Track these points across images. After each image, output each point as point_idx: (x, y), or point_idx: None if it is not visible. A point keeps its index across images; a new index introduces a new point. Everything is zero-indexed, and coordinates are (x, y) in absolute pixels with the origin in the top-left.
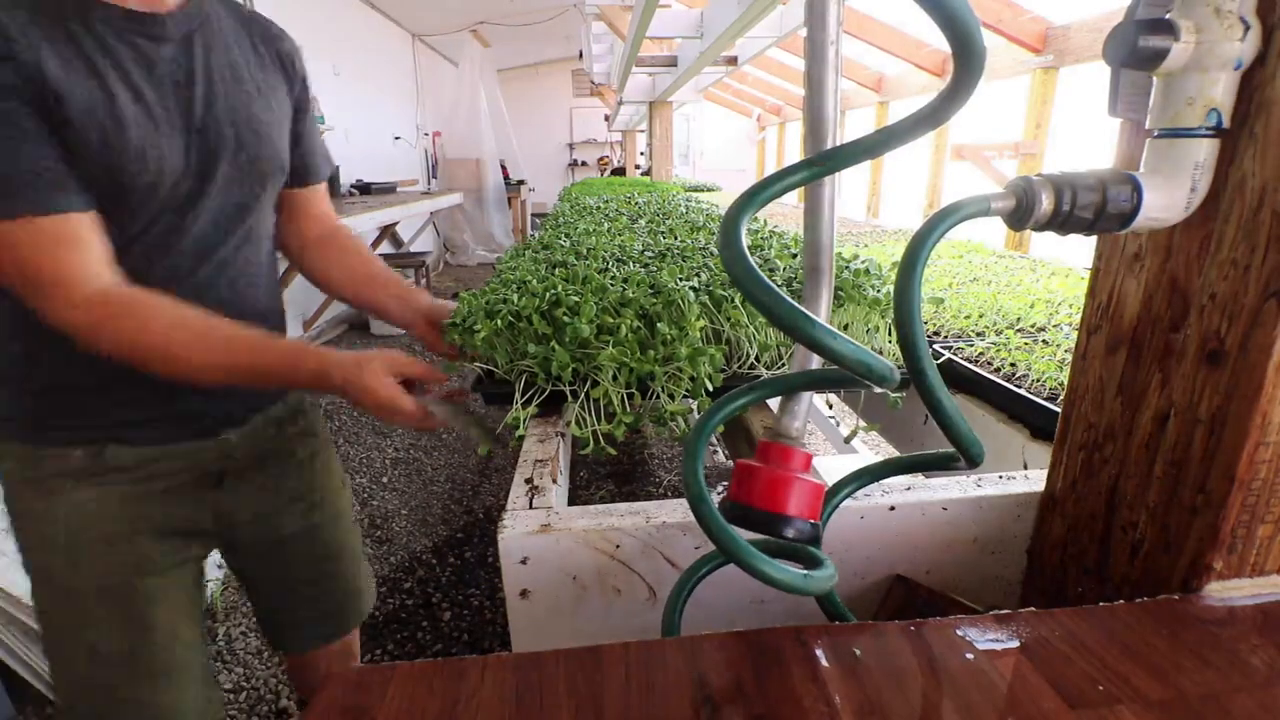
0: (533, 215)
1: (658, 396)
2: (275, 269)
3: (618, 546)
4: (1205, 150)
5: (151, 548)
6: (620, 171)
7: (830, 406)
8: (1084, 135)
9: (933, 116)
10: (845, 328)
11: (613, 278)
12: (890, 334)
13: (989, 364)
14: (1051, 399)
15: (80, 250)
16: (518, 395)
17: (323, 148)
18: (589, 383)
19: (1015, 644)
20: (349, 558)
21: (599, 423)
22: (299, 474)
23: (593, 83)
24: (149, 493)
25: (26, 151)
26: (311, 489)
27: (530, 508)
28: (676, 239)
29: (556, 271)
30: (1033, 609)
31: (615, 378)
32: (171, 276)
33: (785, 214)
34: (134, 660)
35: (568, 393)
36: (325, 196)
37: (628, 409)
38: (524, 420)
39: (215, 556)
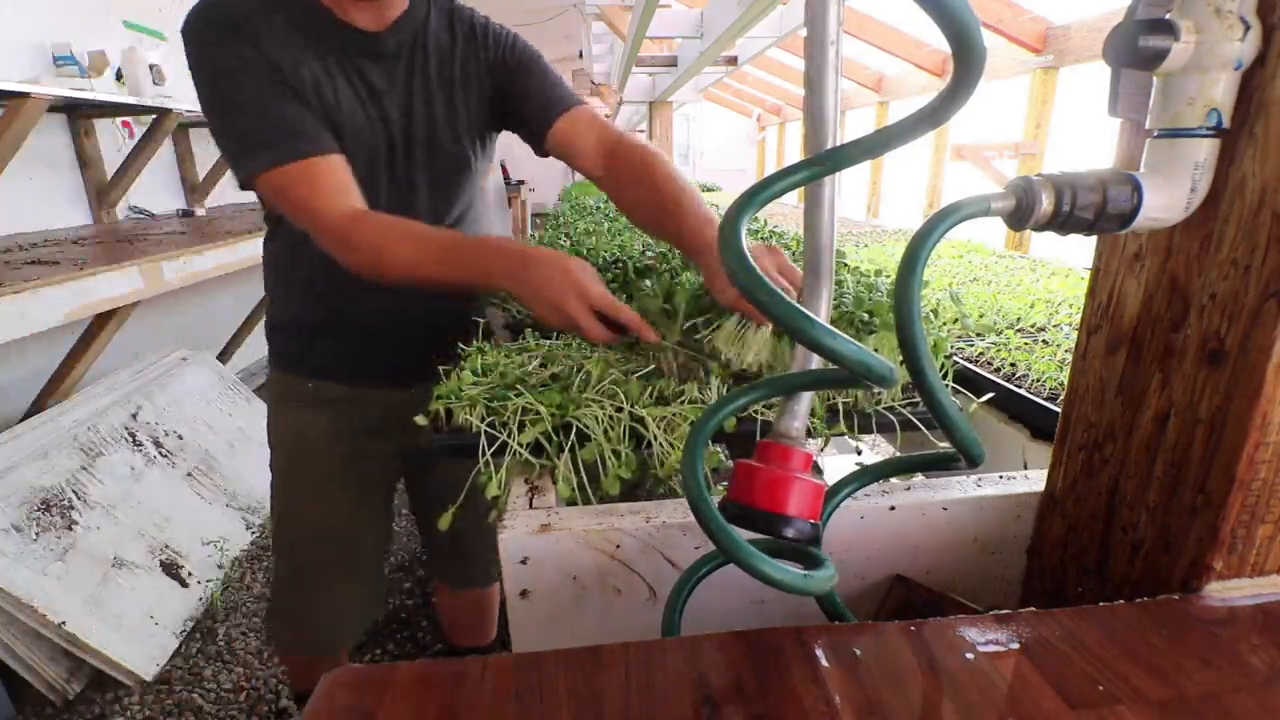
0: (533, 215)
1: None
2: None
3: (618, 546)
4: (1205, 150)
5: (345, 467)
6: None
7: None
8: (1084, 135)
9: (933, 116)
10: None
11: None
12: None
13: (989, 364)
14: (1051, 399)
15: (330, 183)
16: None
17: (561, 88)
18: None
19: (1015, 644)
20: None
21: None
22: None
23: (593, 83)
24: (350, 425)
25: (275, 110)
26: None
27: (530, 508)
28: None
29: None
30: (1033, 609)
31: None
32: None
33: (785, 214)
34: (316, 548)
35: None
36: (583, 124)
37: (620, 464)
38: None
39: (215, 558)
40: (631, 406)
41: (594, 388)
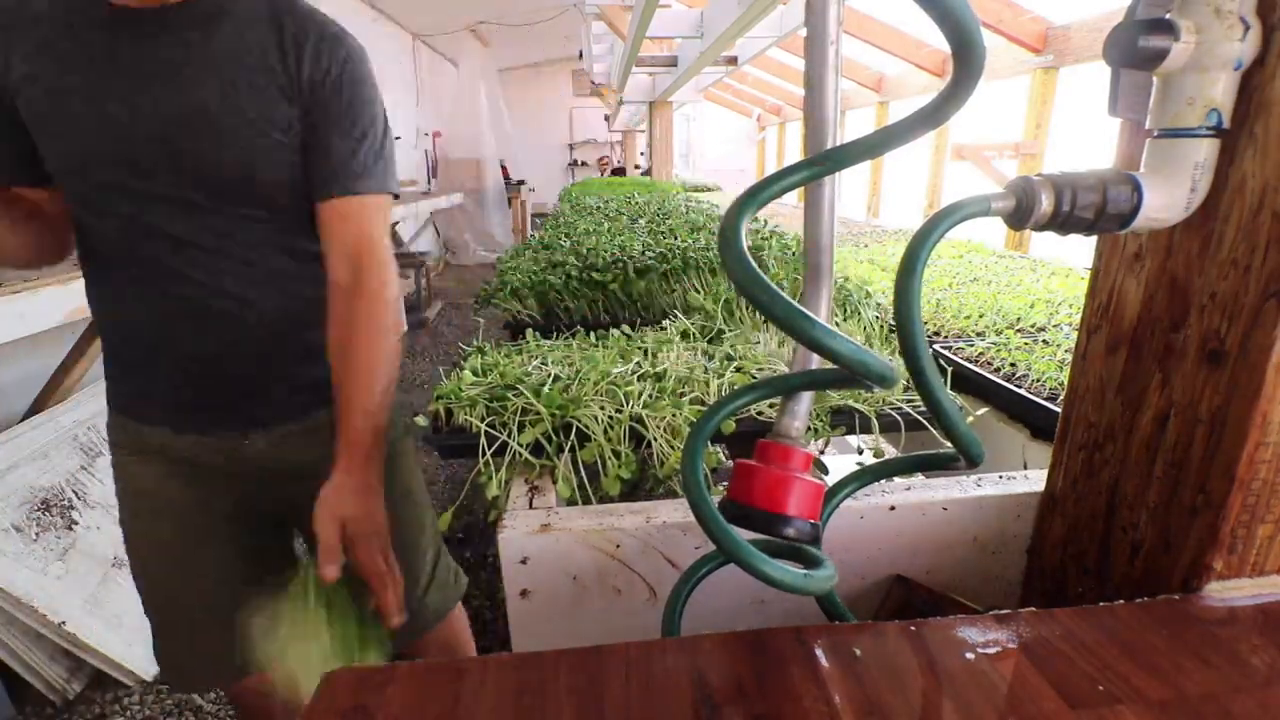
0: (533, 215)
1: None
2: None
3: (618, 546)
4: (1205, 150)
5: (183, 514)
6: (620, 171)
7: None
8: (1084, 135)
9: (933, 116)
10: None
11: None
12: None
13: (989, 364)
14: (1051, 399)
15: None
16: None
17: (340, 148)
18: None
19: (1015, 644)
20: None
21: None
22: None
23: (593, 83)
24: (179, 472)
25: None
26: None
27: (530, 508)
28: (676, 239)
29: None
30: (1033, 609)
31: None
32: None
33: (785, 214)
34: (172, 601)
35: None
36: (342, 212)
37: (621, 464)
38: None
39: None
40: (631, 407)
41: (594, 388)
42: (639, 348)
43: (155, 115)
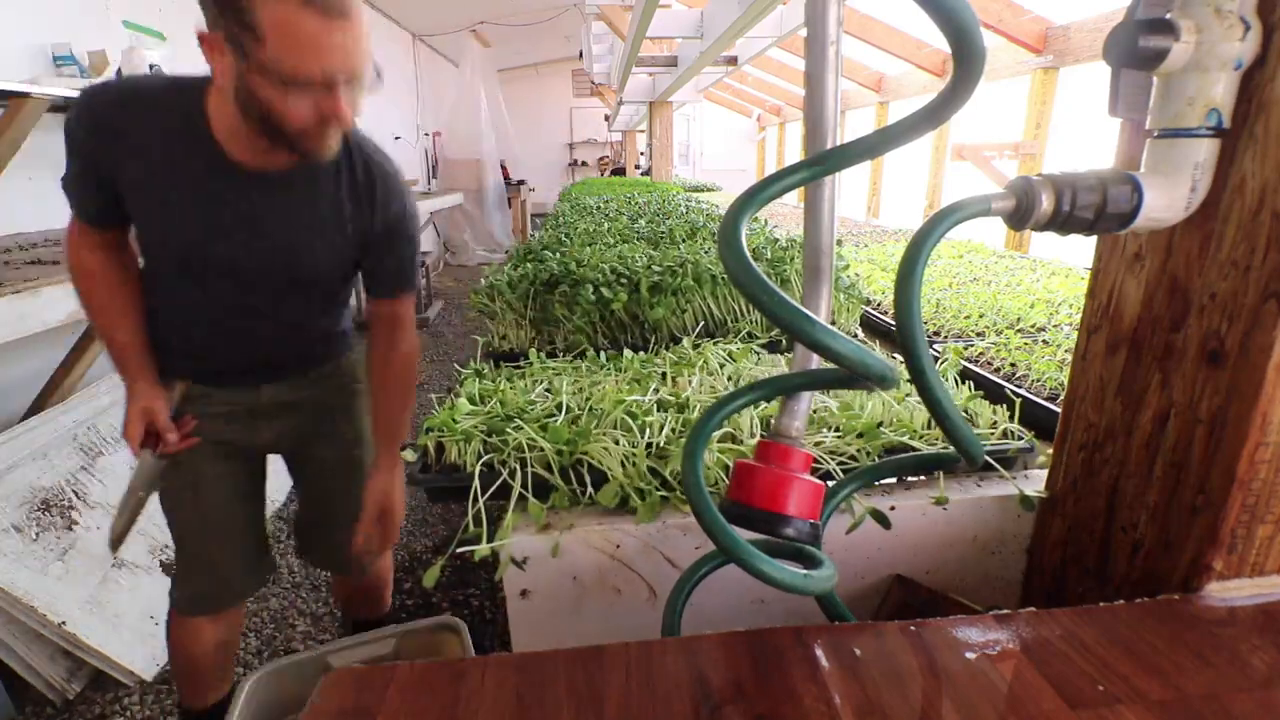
0: (533, 215)
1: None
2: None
3: (618, 546)
4: (1205, 150)
5: (214, 449)
6: (620, 171)
7: None
8: (1084, 135)
9: (932, 116)
10: None
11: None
12: None
13: (989, 364)
14: (1051, 399)
15: (84, 241)
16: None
17: (395, 267)
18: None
19: (1015, 644)
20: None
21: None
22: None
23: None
24: (214, 415)
25: (79, 185)
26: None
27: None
28: (681, 250)
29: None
30: (1033, 609)
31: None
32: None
33: (785, 214)
34: (195, 521)
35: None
36: (391, 310)
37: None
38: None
39: None
40: (649, 442)
41: (607, 419)
42: (657, 371)
43: (250, 248)
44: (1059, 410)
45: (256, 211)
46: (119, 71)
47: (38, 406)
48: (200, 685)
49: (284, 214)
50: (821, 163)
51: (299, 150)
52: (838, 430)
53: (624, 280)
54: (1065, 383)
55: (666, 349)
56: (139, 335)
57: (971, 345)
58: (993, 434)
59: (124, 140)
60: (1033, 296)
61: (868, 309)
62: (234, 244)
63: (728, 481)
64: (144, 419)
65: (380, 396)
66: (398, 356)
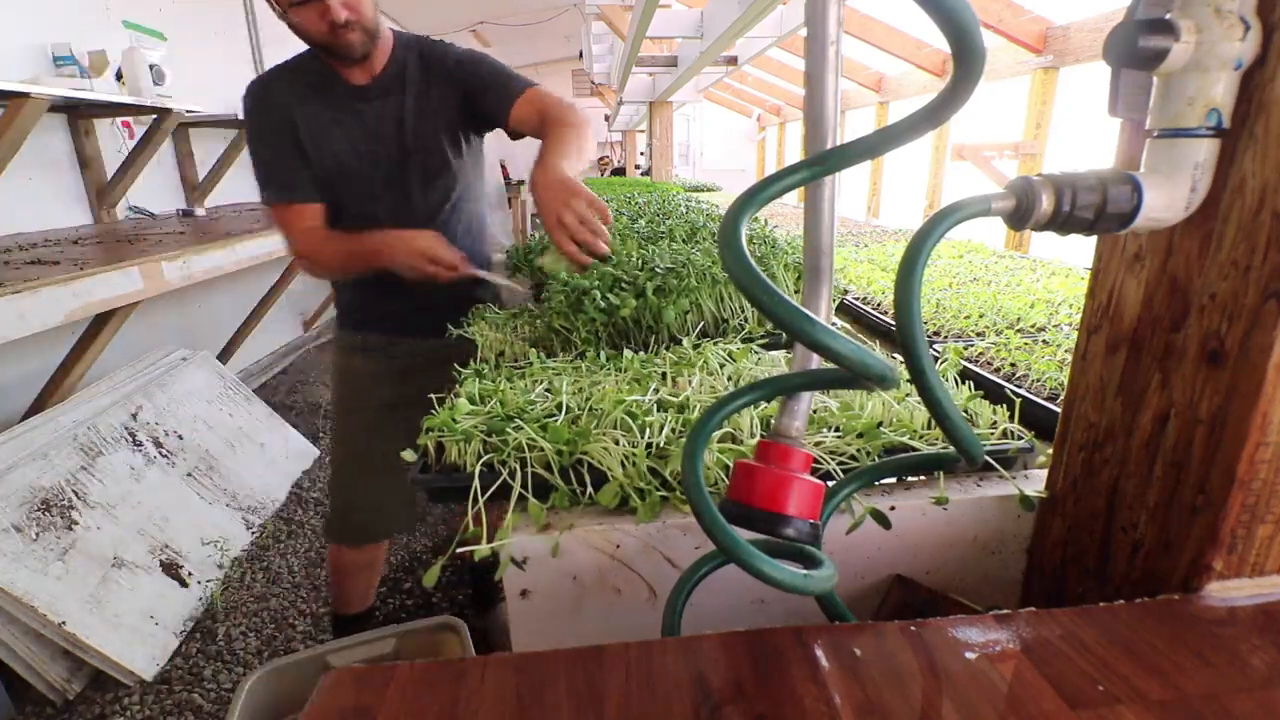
0: (532, 215)
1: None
2: (483, 223)
3: (618, 546)
4: (1205, 150)
5: (382, 393)
6: (620, 171)
7: None
8: (1084, 135)
9: (932, 116)
10: None
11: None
12: None
13: (989, 364)
14: (1051, 399)
15: (298, 220)
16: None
17: (501, 77)
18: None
19: (1015, 644)
20: None
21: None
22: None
23: (593, 83)
24: (388, 365)
25: (279, 164)
26: None
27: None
28: (683, 249)
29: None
30: (1033, 609)
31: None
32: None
33: (785, 214)
34: (363, 458)
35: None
36: (529, 104)
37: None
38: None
39: (215, 558)
40: (649, 442)
41: (607, 419)
42: (657, 371)
43: (382, 153)
44: (1059, 410)
45: (375, 119)
46: (119, 71)
47: (38, 406)
48: (344, 598)
49: (400, 115)
50: (821, 163)
51: (337, 54)
52: (838, 430)
53: (626, 286)
54: (1065, 383)
55: (666, 349)
56: (352, 236)
57: (971, 345)
58: (993, 434)
59: (288, 99)
60: (1033, 296)
61: (847, 297)
62: (365, 153)
63: (728, 481)
64: (430, 254)
65: (562, 128)
66: (572, 117)
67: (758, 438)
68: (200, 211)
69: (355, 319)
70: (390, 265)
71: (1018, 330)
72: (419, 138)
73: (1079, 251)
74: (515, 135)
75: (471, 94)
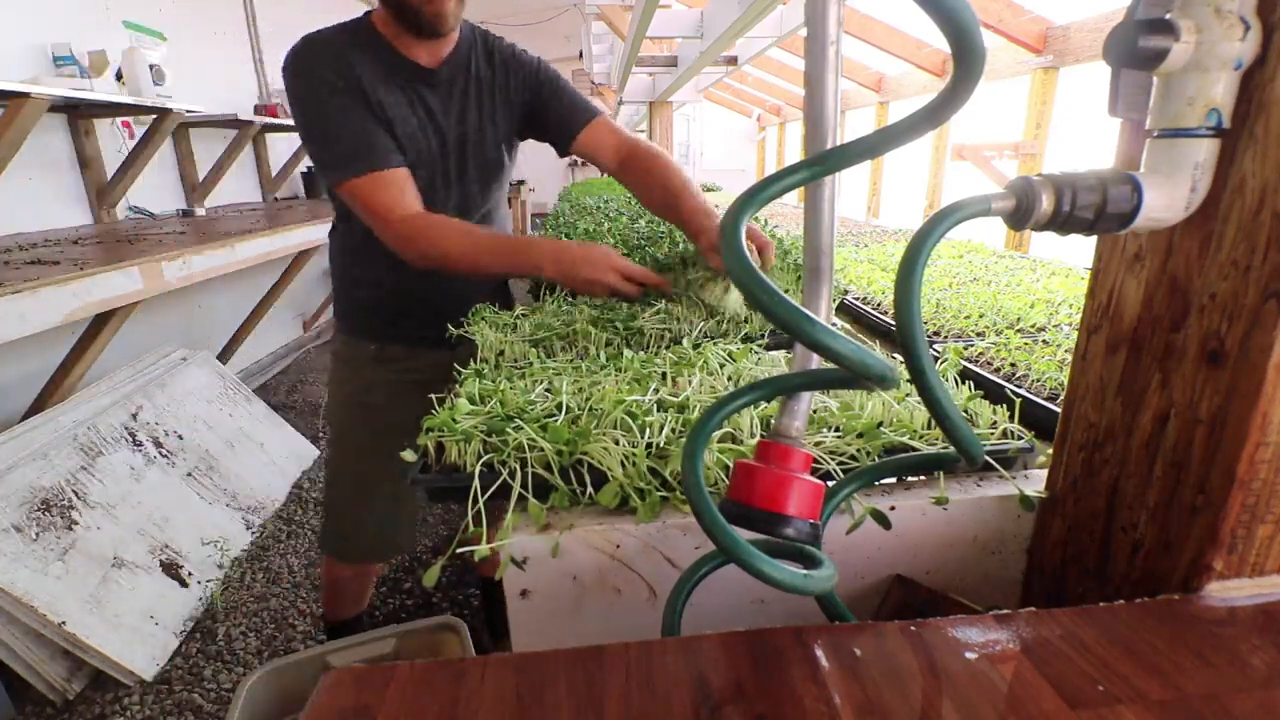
0: (533, 215)
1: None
2: (505, 226)
3: (618, 546)
4: (1205, 150)
5: (398, 412)
6: None
7: None
8: (1084, 135)
9: (932, 116)
10: None
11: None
12: None
13: (989, 364)
14: (1051, 399)
15: (393, 191)
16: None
17: (580, 101)
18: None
19: (1015, 644)
20: None
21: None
22: None
23: (593, 83)
24: (407, 378)
25: (360, 131)
26: None
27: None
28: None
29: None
30: (1033, 609)
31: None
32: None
33: (785, 214)
34: (366, 478)
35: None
36: (602, 131)
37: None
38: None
39: (215, 558)
40: (649, 442)
41: (607, 419)
42: (657, 371)
43: (442, 144)
44: (1059, 410)
45: (443, 104)
46: (119, 71)
47: (38, 406)
48: (335, 605)
49: (465, 102)
50: (821, 163)
51: (425, 24)
52: (838, 430)
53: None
54: (1065, 383)
55: (666, 349)
56: (497, 233)
57: (971, 345)
58: (993, 434)
59: (358, 66)
60: (1033, 296)
61: (847, 297)
62: (433, 137)
63: (728, 481)
64: (624, 268)
65: (673, 183)
66: (656, 159)
67: (758, 438)
68: (200, 211)
69: (374, 327)
70: (555, 276)
71: (1018, 330)
72: (480, 132)
73: (1079, 251)
74: (566, 154)
75: (543, 104)
